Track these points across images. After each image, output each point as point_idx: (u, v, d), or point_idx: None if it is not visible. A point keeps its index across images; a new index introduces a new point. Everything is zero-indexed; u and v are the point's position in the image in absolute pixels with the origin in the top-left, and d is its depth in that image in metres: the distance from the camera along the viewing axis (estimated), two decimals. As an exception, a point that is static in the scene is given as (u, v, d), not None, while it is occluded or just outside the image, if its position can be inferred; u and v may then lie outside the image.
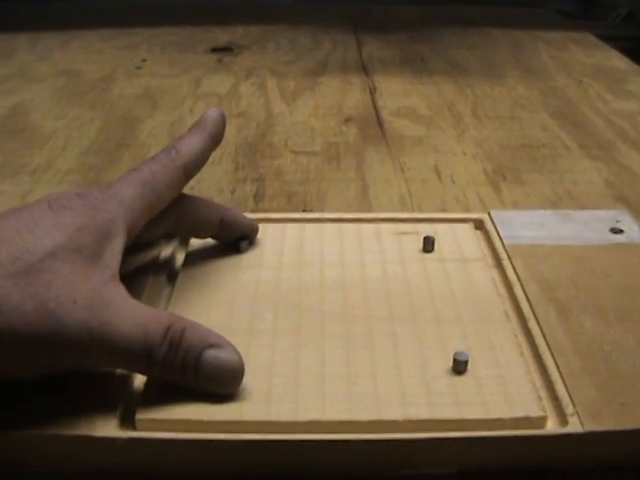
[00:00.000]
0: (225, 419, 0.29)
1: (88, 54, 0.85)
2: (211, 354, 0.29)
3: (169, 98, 0.70)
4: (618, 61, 0.85)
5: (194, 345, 0.29)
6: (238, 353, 0.30)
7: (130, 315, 0.29)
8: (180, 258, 0.40)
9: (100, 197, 0.31)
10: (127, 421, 0.29)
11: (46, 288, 0.27)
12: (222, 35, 0.93)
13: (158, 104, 0.68)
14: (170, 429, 0.29)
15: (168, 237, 0.41)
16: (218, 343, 0.30)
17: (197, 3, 1.16)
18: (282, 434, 0.29)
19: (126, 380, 0.31)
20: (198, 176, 0.45)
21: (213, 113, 0.37)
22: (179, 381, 0.30)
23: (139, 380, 0.31)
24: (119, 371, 0.31)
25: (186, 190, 0.37)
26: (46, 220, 0.29)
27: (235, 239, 0.40)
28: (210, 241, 0.41)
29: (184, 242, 0.42)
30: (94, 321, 0.28)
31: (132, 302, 0.30)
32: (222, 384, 0.30)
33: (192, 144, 0.36)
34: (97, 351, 0.28)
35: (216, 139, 0.37)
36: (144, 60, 0.83)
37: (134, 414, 0.29)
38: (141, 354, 0.29)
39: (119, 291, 0.30)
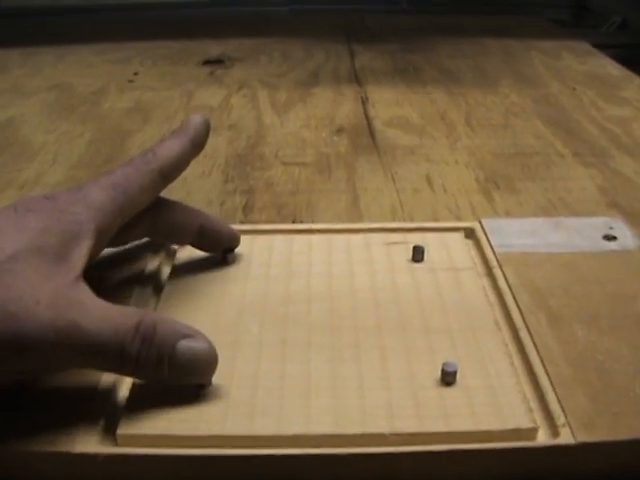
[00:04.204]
0: (208, 434, 0.28)
1: (80, 68, 0.85)
2: (184, 345, 0.29)
3: (160, 111, 0.69)
4: (612, 68, 0.84)
5: (167, 338, 0.29)
6: (209, 341, 0.30)
7: (97, 313, 0.28)
8: (167, 270, 0.40)
9: (68, 199, 0.31)
10: (108, 436, 0.29)
11: (7, 290, 0.27)
12: (215, 48, 0.93)
13: (149, 117, 0.68)
14: (152, 444, 0.28)
15: (154, 248, 0.41)
16: (189, 333, 0.30)
17: (190, 16, 1.17)
18: (266, 449, 0.28)
19: (107, 395, 0.31)
20: (187, 188, 0.45)
21: (196, 119, 0.37)
22: (153, 376, 0.29)
23: (121, 395, 0.31)
24: (101, 385, 0.31)
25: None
26: (9, 224, 0.29)
27: (220, 250, 0.40)
28: (197, 253, 0.40)
29: (171, 254, 0.41)
30: (60, 321, 0.27)
31: (98, 301, 0.29)
32: (197, 374, 0.29)
33: (171, 148, 0.35)
34: (66, 352, 0.27)
35: (197, 144, 0.36)
36: (136, 74, 0.82)
37: (115, 429, 0.28)
38: (113, 351, 0.28)
39: (84, 291, 0.29)
